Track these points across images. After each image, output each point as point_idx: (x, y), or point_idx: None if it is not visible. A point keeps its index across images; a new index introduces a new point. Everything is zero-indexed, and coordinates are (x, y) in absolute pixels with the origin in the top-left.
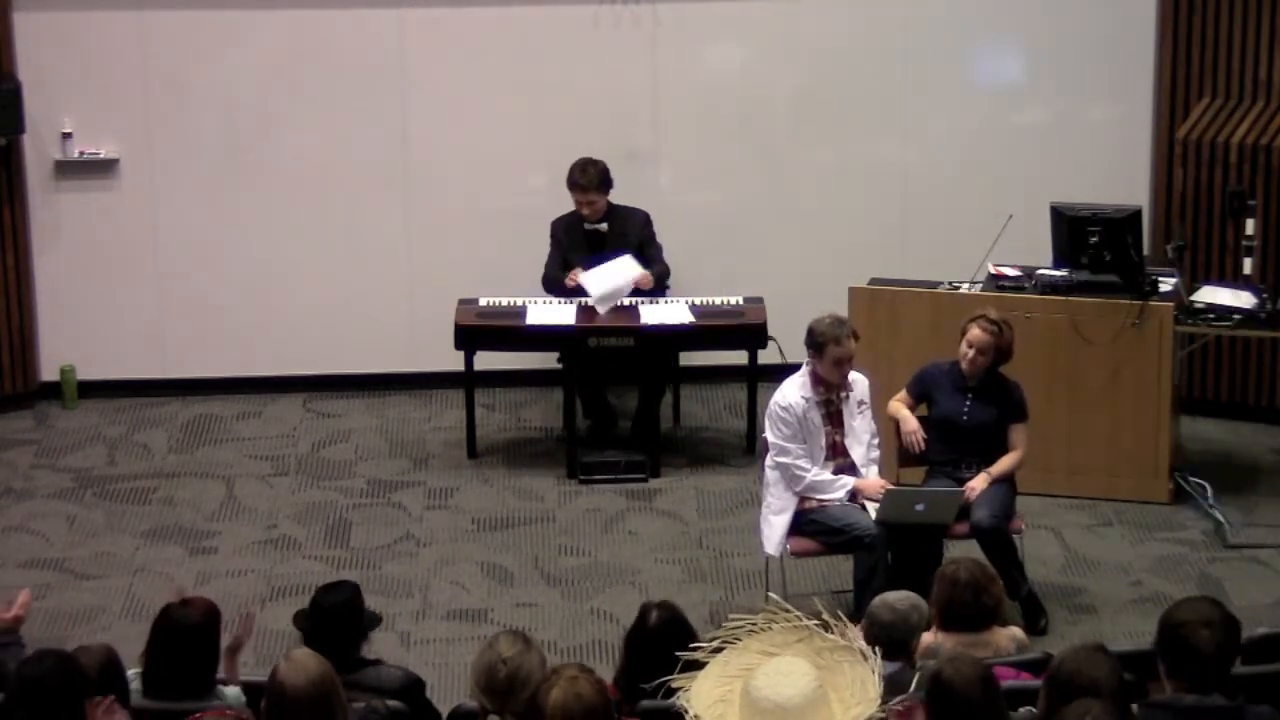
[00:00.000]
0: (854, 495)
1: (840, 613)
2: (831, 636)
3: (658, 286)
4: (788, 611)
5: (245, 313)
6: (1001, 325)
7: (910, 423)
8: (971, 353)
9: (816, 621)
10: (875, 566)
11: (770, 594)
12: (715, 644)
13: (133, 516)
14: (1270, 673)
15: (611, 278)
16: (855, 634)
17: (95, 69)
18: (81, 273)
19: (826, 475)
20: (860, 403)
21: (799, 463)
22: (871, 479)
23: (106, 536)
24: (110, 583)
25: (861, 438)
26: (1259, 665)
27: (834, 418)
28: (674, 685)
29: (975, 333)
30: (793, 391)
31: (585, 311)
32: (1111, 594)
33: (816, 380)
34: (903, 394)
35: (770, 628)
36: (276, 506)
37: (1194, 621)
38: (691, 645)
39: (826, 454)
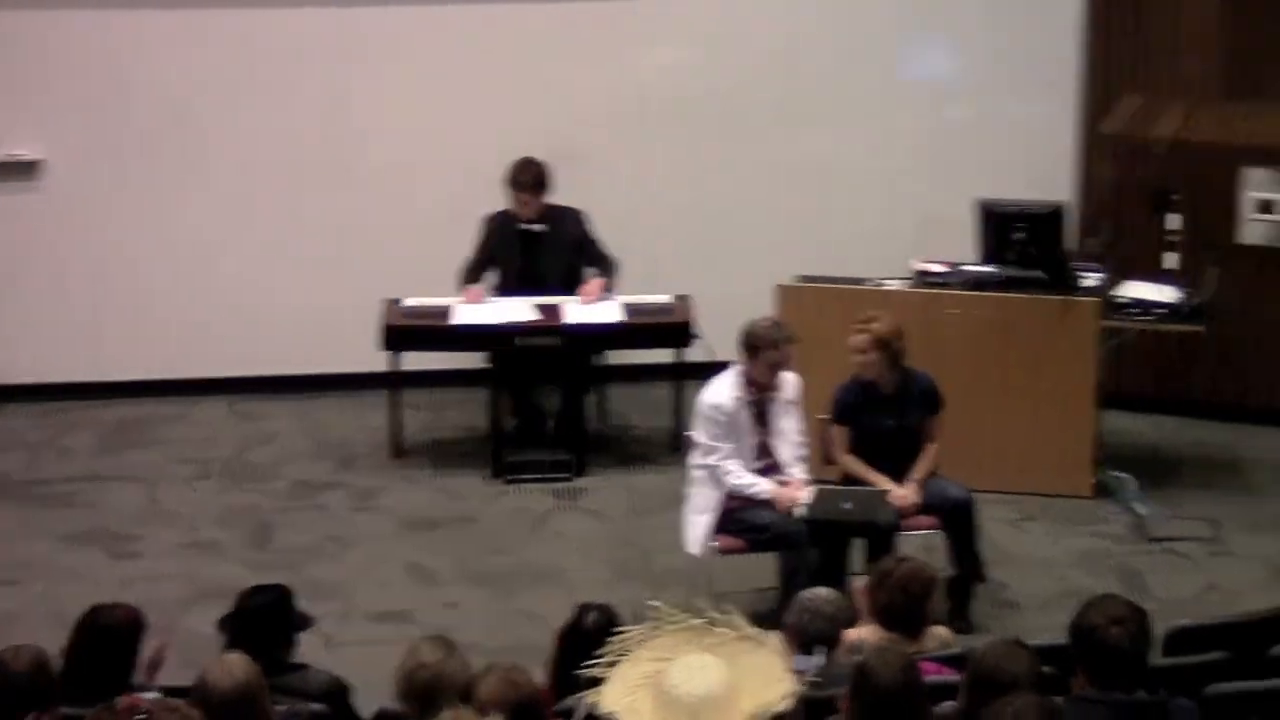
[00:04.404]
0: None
1: (730, 606)
2: (721, 631)
3: (611, 283)
4: (673, 614)
5: (171, 315)
6: (871, 320)
7: (897, 491)
8: (858, 357)
9: (703, 620)
10: (799, 565)
11: (653, 601)
12: (609, 659)
13: (54, 520)
14: (1191, 665)
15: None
16: (742, 621)
17: (18, 69)
18: (6, 276)
19: (747, 478)
20: (789, 402)
21: (726, 463)
22: (784, 490)
23: (24, 541)
24: (28, 589)
25: (789, 438)
26: (1180, 658)
27: (762, 418)
28: (588, 700)
29: (851, 340)
30: (724, 391)
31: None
32: (1035, 588)
33: (747, 380)
34: (839, 433)
35: (657, 635)
36: (200, 510)
37: (1104, 622)
38: (583, 664)
39: (755, 454)
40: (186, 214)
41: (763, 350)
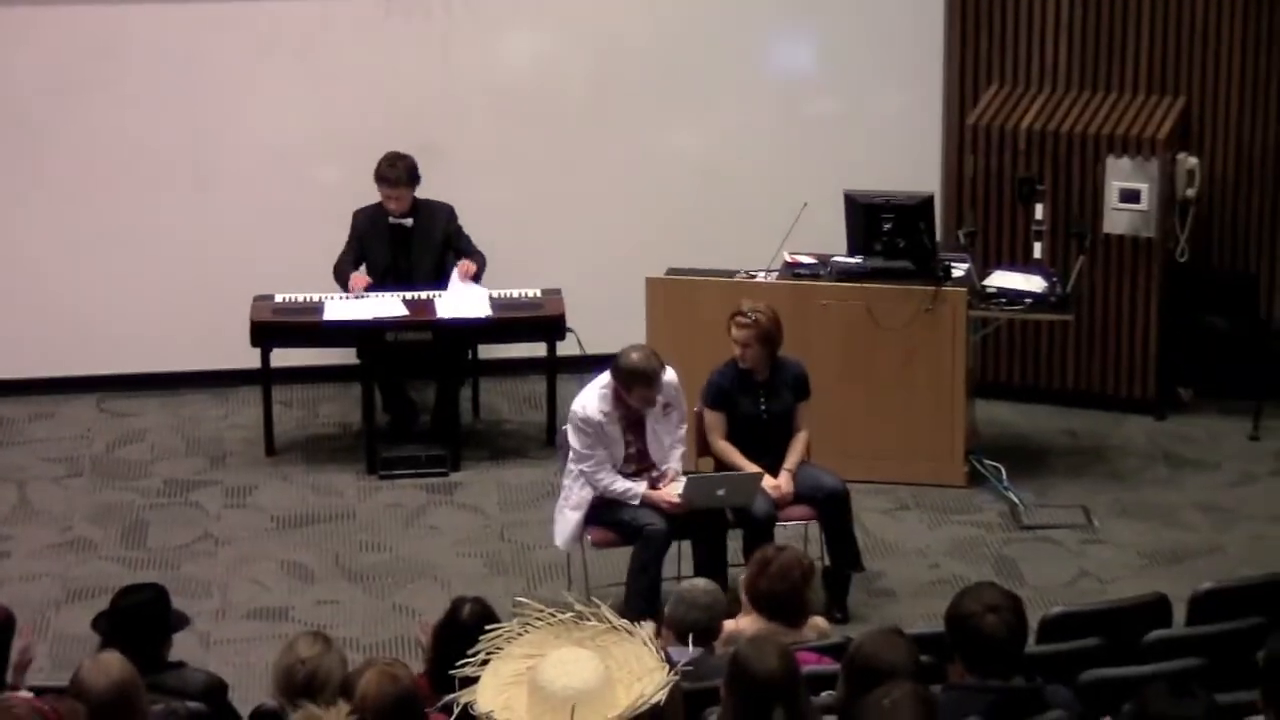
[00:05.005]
0: (645, 503)
1: (595, 599)
2: (590, 624)
3: (480, 276)
4: (539, 610)
5: (36, 312)
6: (755, 314)
7: (770, 481)
8: (740, 350)
9: (571, 614)
10: (649, 559)
11: (520, 598)
12: (481, 657)
13: None
14: (1066, 651)
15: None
16: (609, 614)
17: None
18: None
19: (619, 485)
20: (665, 406)
21: (598, 474)
22: (656, 492)
23: None
24: None
25: (664, 441)
26: (1054, 644)
27: (636, 426)
28: (461, 700)
29: (734, 332)
30: (592, 403)
31: (383, 305)
32: (910, 577)
33: (619, 396)
34: (714, 419)
35: (525, 631)
36: (71, 508)
37: (979, 610)
38: (458, 663)
39: (628, 462)
40: (51, 210)
41: (637, 387)
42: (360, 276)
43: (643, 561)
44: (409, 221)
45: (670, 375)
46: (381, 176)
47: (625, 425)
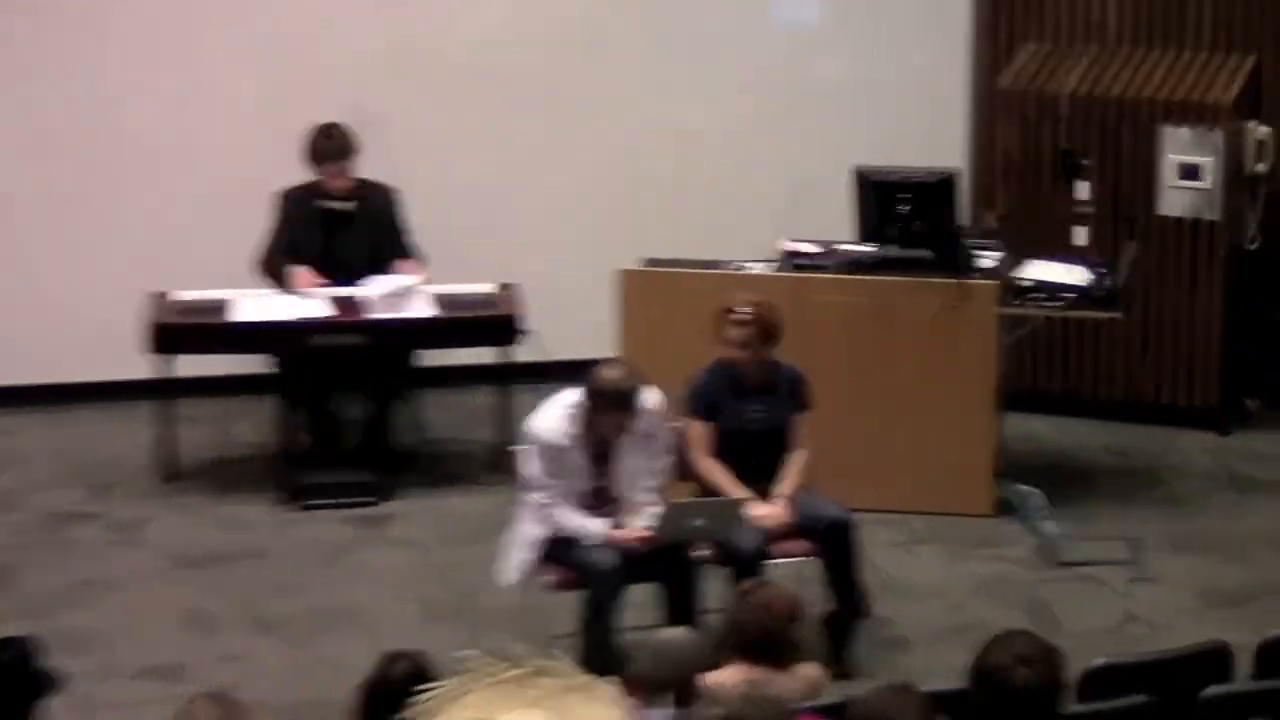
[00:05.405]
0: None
1: (553, 650)
2: (547, 680)
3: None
4: (486, 665)
5: None
6: (754, 308)
7: (761, 509)
8: (740, 353)
9: (525, 669)
10: (598, 602)
11: (464, 651)
12: None
13: None
14: (1110, 710)
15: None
16: (571, 668)
17: None
18: None
19: (576, 521)
20: (645, 437)
21: (552, 508)
22: (620, 533)
23: None
24: None
25: (636, 479)
26: (1097, 703)
27: (606, 456)
28: None
29: (731, 332)
30: (554, 423)
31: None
32: (927, 622)
33: (588, 419)
34: (699, 431)
35: (468, 690)
36: None
37: (1009, 662)
38: None
39: (589, 500)
40: None
41: (610, 410)
42: (306, 274)
43: (593, 606)
44: (347, 205)
45: (653, 399)
46: (319, 153)
47: (592, 454)
